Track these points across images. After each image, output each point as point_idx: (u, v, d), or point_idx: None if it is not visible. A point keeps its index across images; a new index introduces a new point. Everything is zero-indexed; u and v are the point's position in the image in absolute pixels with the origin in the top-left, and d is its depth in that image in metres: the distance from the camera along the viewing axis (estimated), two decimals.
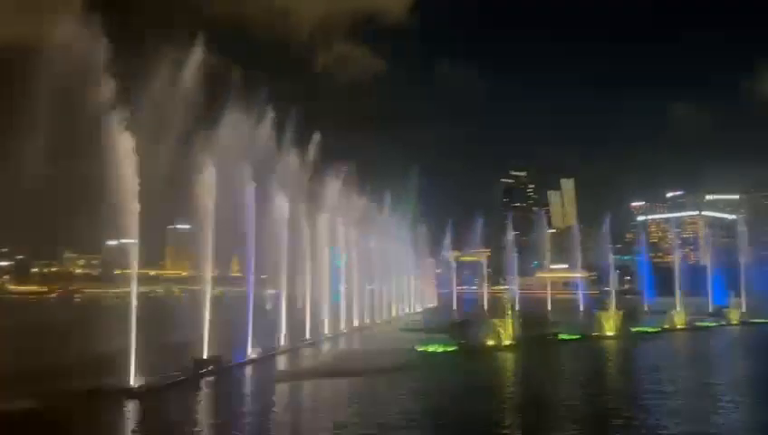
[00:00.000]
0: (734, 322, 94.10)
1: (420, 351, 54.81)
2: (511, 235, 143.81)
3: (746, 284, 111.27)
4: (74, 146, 37.82)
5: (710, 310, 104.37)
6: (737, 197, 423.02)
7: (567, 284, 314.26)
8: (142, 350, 34.71)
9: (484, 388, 39.61)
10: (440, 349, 55.57)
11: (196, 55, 43.30)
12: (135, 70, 38.12)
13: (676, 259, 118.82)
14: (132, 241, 37.07)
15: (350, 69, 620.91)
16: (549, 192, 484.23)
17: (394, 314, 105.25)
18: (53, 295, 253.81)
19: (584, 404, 34.05)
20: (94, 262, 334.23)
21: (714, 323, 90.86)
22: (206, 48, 44.01)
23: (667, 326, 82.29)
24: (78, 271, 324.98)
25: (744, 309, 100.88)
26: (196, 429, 29.28)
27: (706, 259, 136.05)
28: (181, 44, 43.30)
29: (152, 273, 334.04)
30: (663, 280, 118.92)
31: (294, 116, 62.63)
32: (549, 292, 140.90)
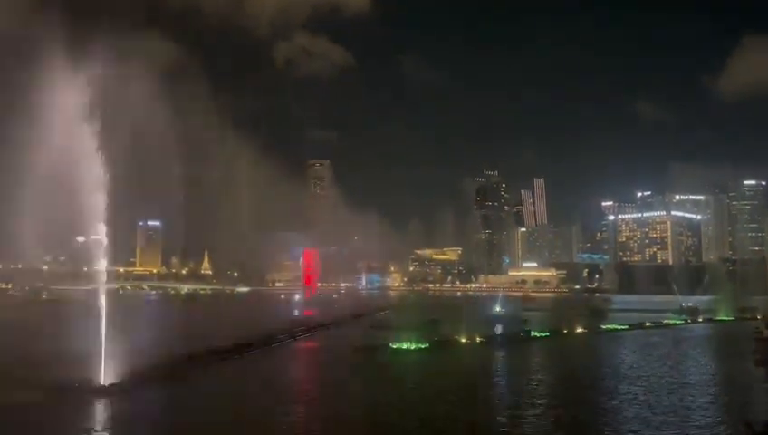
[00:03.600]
0: (699, 319, 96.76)
1: (394, 348, 55.06)
2: (483, 233, 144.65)
3: (710, 282, 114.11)
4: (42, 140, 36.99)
5: (677, 308, 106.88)
6: (703, 198, 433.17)
7: (538, 282, 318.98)
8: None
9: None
10: (413, 346, 55.90)
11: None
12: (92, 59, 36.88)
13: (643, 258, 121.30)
14: (101, 238, 36.40)
15: (313, 62, 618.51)
16: (522, 191, 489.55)
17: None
18: (17, 293, 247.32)
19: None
20: (62, 258, 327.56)
21: (680, 321, 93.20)
22: (165, 39, 43.24)
23: (635, 324, 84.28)
24: (44, 268, 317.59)
25: (708, 307, 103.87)
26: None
27: (673, 258, 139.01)
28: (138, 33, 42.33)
29: (122, 270, 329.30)
30: (631, 279, 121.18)
31: (258, 113, 61.66)
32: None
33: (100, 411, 30.83)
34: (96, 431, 27.59)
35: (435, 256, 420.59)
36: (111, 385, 33.68)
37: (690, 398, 34.96)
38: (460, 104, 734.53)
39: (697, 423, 28.76)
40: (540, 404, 33.14)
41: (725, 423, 29.03)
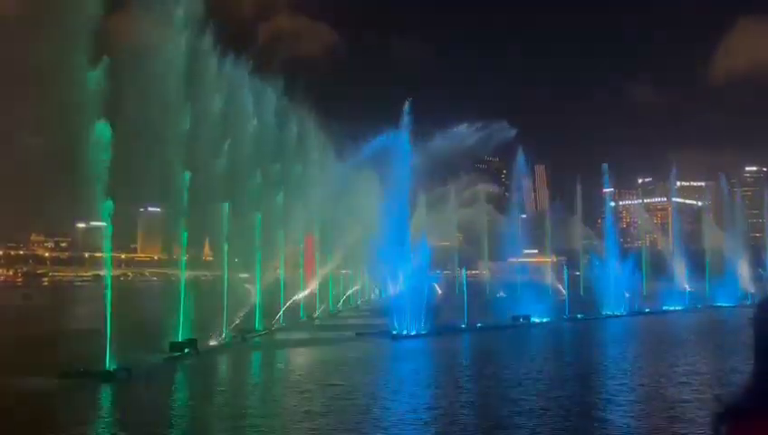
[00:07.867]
0: (699, 305, 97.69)
1: (395, 334, 55.41)
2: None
3: (711, 269, 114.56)
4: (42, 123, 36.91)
5: (678, 293, 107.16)
6: (703, 184, 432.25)
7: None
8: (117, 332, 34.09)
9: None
10: (413, 332, 56.29)
11: None
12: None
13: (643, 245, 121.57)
14: (102, 224, 36.35)
15: (301, 42, 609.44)
16: (522, 177, 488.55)
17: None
18: (19, 279, 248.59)
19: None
20: (63, 244, 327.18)
21: (680, 307, 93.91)
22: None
23: (636, 310, 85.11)
24: (46, 254, 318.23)
25: (708, 293, 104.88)
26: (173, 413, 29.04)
27: (673, 245, 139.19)
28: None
29: (123, 256, 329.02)
30: (632, 265, 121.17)
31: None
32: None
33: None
34: None
35: (435, 242, 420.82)
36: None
37: (694, 390, 34.49)
38: (454, 88, 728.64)
39: (701, 417, 28.75)
40: (531, 392, 32.82)
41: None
